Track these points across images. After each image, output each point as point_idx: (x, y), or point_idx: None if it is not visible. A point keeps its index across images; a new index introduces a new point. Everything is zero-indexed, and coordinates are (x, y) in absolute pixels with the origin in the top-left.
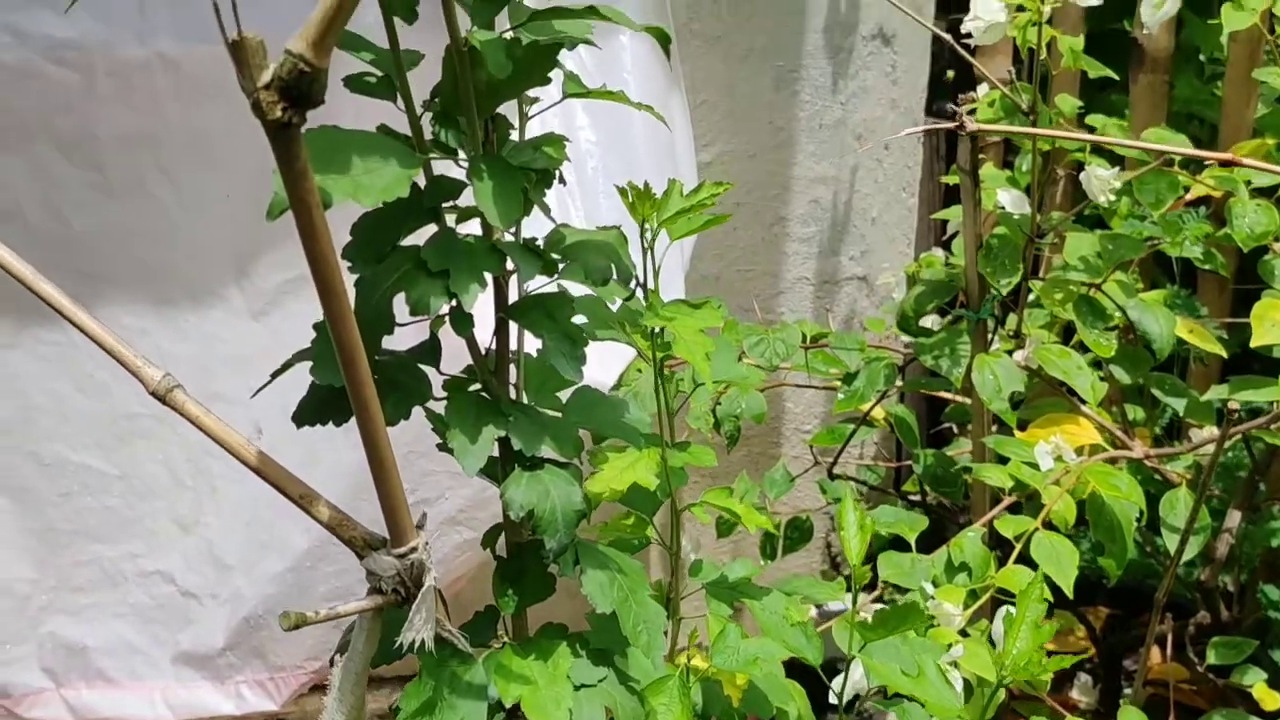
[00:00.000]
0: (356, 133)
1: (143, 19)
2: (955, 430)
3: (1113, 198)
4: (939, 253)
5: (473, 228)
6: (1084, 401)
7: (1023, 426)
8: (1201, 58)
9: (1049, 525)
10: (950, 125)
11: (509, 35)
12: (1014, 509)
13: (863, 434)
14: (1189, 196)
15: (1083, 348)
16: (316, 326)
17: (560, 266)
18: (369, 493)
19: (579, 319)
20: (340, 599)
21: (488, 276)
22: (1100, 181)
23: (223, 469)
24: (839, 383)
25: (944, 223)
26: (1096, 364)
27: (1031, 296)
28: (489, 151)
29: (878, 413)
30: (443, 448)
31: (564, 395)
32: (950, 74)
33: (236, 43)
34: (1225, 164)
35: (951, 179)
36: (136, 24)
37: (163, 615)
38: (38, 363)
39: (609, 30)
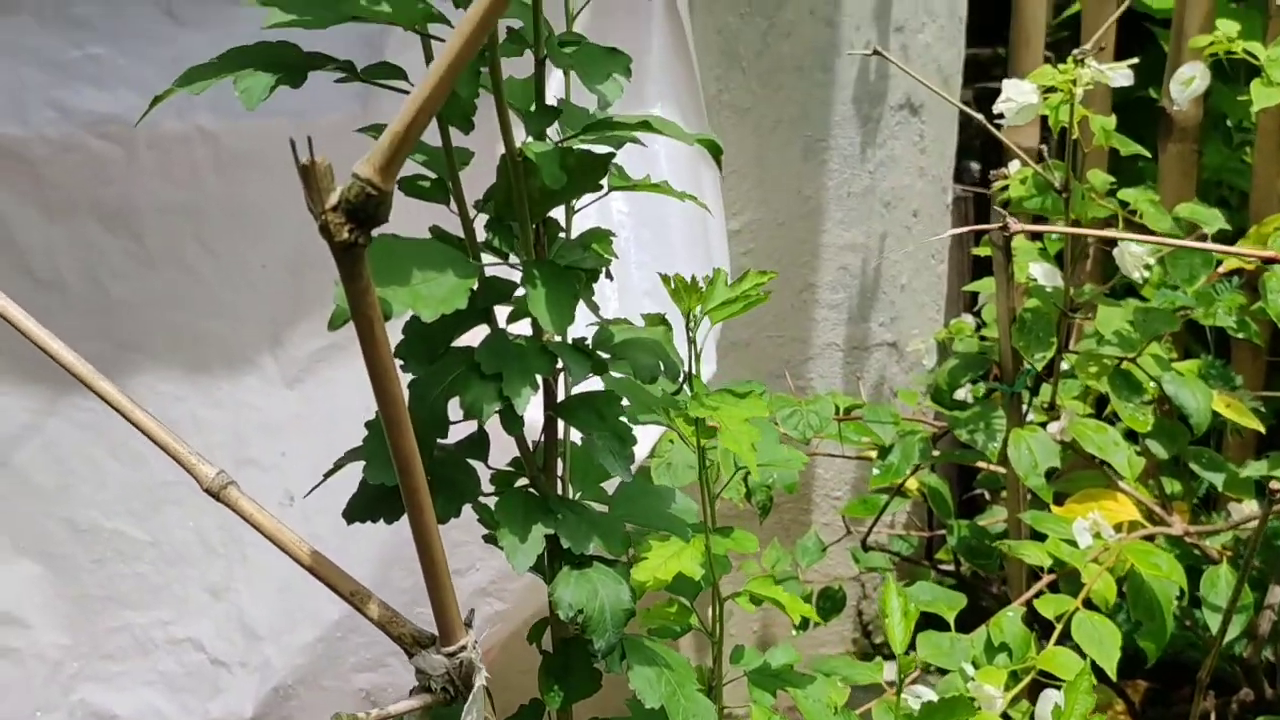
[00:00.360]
0: (414, 242)
1: (183, 94)
2: (988, 497)
3: (1146, 274)
4: (969, 319)
5: (523, 325)
6: (1121, 476)
7: (1059, 500)
8: (1229, 123)
9: (1089, 604)
10: (995, 227)
11: (562, 144)
12: (1052, 584)
13: (895, 505)
14: (1223, 269)
15: (1115, 416)
16: (369, 425)
17: (609, 365)
18: (401, 562)
19: (625, 403)
20: (371, 670)
21: (539, 378)
22: (1134, 258)
23: (254, 536)
24: (872, 453)
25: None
26: (1132, 436)
27: (1065, 366)
28: (540, 254)
29: (911, 483)
30: (489, 539)
31: (609, 483)
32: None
33: (306, 167)
34: (1267, 261)
35: (983, 250)
36: (177, 98)
37: (192, 684)
38: (75, 429)
39: (639, 103)
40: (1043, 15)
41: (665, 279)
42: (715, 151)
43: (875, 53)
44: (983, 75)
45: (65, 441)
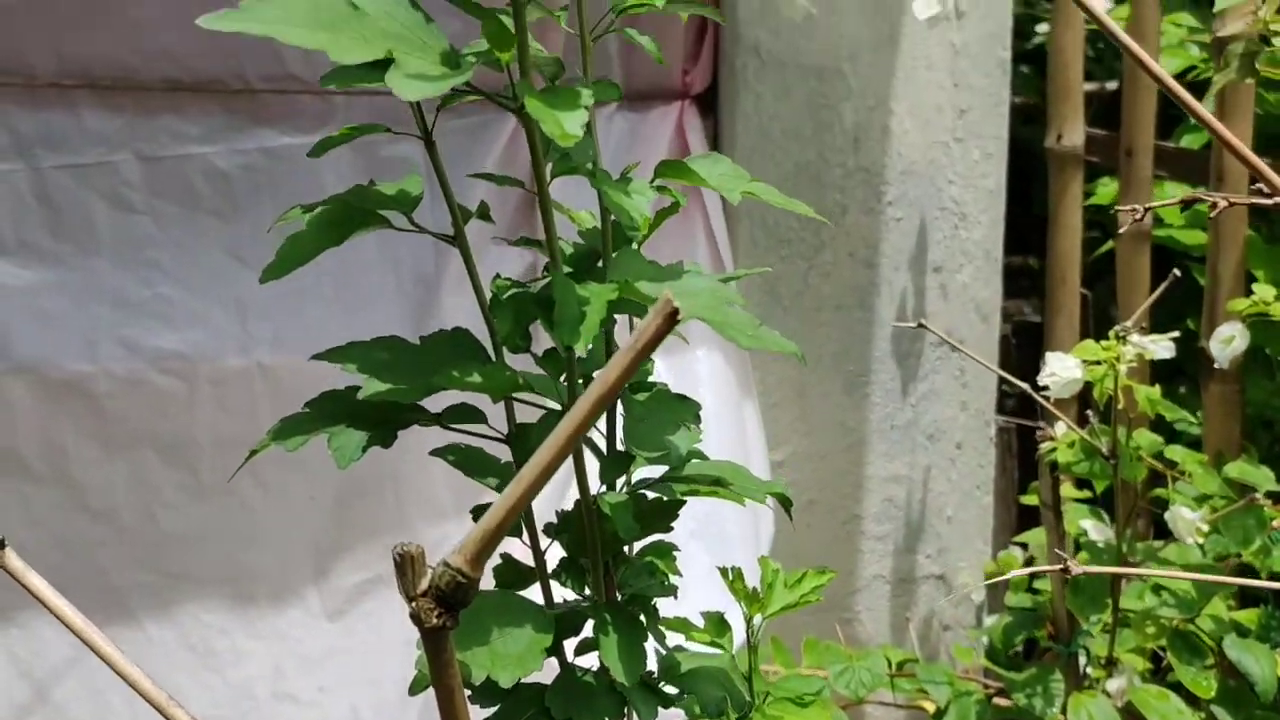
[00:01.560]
0: (492, 596)
1: (245, 331)
2: None
3: (1200, 539)
4: (1017, 552)
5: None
6: None
7: None
8: (1268, 351)
9: None
10: (1057, 569)
11: (634, 491)
12: None
13: None
14: (1276, 524)
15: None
16: None
17: (675, 702)
18: None
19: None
20: None
21: None
22: (1186, 524)
23: None
24: (925, 703)
25: (1021, 517)
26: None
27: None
28: (610, 588)
29: None
30: None
31: None
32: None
33: (402, 556)
34: None
35: (1030, 500)
36: (239, 336)
37: None
38: None
39: (681, 346)
40: (1077, 253)
41: (723, 572)
42: (786, 504)
43: (920, 325)
44: (1012, 285)
45: (102, 676)
